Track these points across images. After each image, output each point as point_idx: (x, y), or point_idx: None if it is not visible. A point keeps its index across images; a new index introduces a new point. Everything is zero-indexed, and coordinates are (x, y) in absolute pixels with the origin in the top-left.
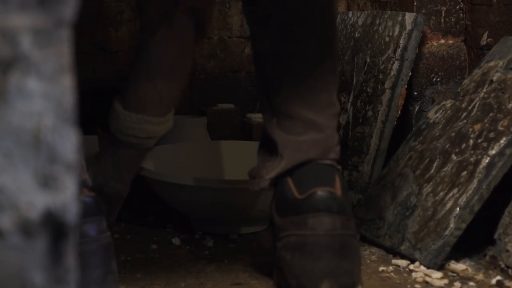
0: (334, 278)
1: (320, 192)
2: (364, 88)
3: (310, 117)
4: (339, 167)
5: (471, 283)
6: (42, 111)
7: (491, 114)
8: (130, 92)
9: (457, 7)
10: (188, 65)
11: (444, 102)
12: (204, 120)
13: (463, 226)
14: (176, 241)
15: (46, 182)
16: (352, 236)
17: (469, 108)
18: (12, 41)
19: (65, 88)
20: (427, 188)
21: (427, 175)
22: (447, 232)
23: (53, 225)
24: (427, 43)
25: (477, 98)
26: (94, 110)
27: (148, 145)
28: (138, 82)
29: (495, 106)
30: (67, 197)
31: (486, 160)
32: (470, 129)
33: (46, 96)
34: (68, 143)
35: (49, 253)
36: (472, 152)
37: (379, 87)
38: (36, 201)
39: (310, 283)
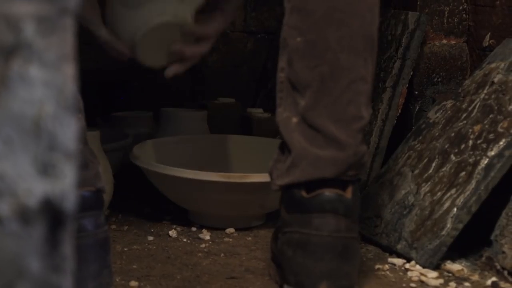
0: (333, 280)
1: (328, 193)
2: None
3: (334, 133)
4: (360, 176)
5: (467, 284)
6: (44, 98)
7: (491, 116)
8: None
9: (460, 7)
10: None
11: (444, 102)
12: (204, 113)
13: (460, 226)
14: (173, 233)
15: (46, 169)
16: (355, 239)
17: (469, 109)
18: (15, 28)
19: (67, 76)
20: (425, 188)
21: (426, 175)
22: (443, 232)
23: (51, 213)
24: (429, 43)
25: (478, 99)
26: (95, 102)
27: None
28: None
29: (496, 108)
30: (65, 185)
31: (485, 161)
32: (470, 130)
33: (47, 84)
34: (69, 131)
35: (47, 240)
36: (471, 153)
37: (380, 85)
38: (34, 189)
39: (309, 282)
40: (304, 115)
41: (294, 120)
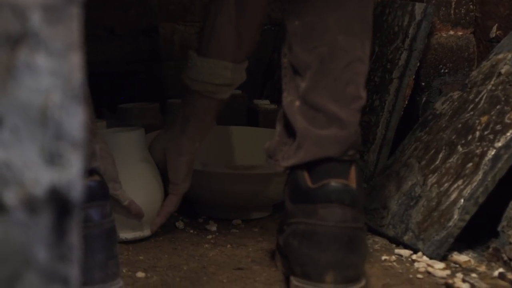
0: (339, 270)
1: (334, 183)
2: (371, 77)
3: (335, 111)
4: (357, 156)
5: (473, 275)
6: (50, 87)
7: (498, 107)
8: (208, 38)
9: None
10: (266, 9)
11: (451, 94)
12: None
13: (467, 217)
14: (179, 225)
15: (52, 158)
16: (361, 229)
17: (476, 100)
18: (22, 17)
19: (74, 65)
20: (432, 179)
21: (433, 166)
22: (450, 223)
23: (58, 202)
24: (436, 34)
25: (485, 90)
26: (101, 93)
27: (222, 95)
28: (217, 26)
29: (503, 99)
30: (72, 174)
31: (492, 152)
32: (477, 121)
33: (54, 72)
34: (75, 120)
35: (53, 230)
36: (478, 144)
37: (387, 76)
38: (41, 178)
39: (315, 273)
40: (305, 96)
41: (297, 103)
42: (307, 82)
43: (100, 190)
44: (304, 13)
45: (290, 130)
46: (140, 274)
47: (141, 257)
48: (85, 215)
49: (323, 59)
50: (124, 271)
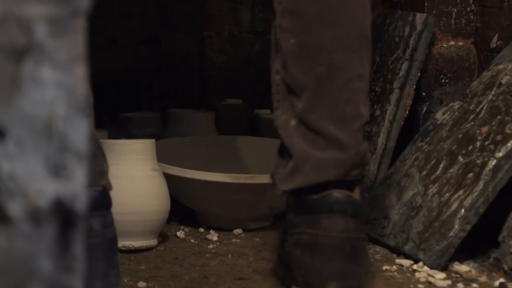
0: (342, 280)
1: (336, 194)
2: (372, 87)
3: (334, 133)
4: (363, 175)
5: (474, 285)
6: (55, 100)
7: (499, 117)
8: None
9: (468, 9)
10: None
11: (452, 104)
12: (212, 114)
13: (468, 227)
14: (181, 234)
15: (57, 170)
16: (363, 240)
17: (477, 110)
18: (27, 30)
19: (78, 77)
20: (433, 189)
21: (433, 176)
22: (451, 233)
23: (62, 214)
24: (437, 44)
25: (485, 101)
26: (102, 102)
27: None
28: None
29: (503, 109)
30: (77, 186)
31: (492, 163)
32: (478, 131)
33: (59, 85)
34: (80, 132)
35: (58, 241)
36: (479, 154)
37: (387, 86)
38: (46, 189)
39: (318, 283)
40: (303, 118)
41: (293, 122)
42: (304, 103)
43: (102, 200)
44: (299, 32)
45: (284, 151)
46: (141, 284)
47: (142, 267)
48: (87, 224)
49: (321, 80)
50: (125, 280)
